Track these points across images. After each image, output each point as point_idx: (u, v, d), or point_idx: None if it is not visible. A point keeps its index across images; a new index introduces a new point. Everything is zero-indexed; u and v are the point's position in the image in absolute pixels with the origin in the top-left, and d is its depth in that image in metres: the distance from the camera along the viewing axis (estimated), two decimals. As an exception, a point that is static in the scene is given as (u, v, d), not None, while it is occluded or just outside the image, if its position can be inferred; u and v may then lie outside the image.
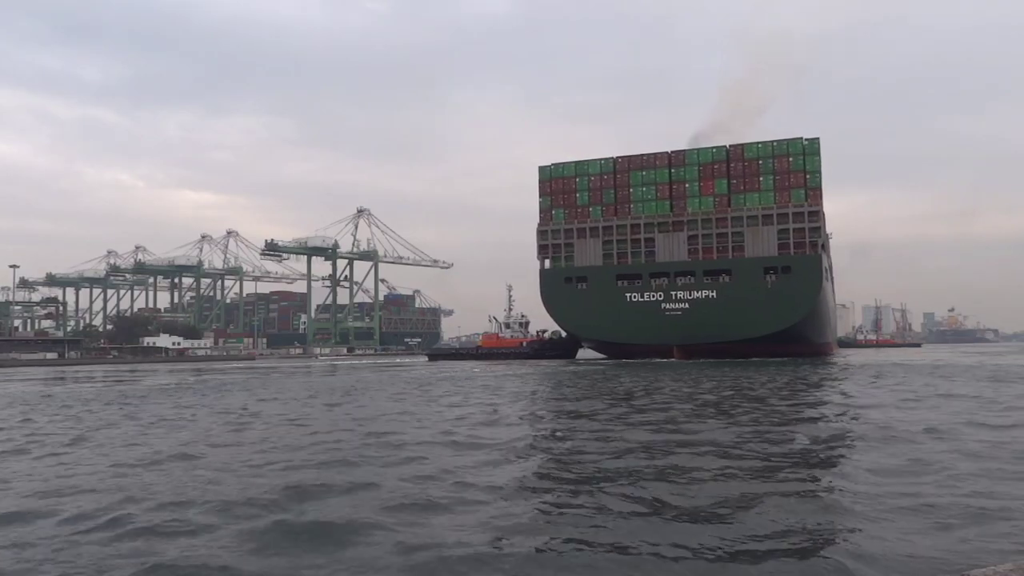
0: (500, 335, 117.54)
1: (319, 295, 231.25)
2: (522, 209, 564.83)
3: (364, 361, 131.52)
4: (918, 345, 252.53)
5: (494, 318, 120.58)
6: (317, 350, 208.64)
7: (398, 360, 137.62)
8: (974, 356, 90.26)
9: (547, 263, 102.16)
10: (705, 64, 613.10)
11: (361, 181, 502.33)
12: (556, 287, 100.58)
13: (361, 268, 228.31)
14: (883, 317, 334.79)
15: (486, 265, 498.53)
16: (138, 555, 8.86)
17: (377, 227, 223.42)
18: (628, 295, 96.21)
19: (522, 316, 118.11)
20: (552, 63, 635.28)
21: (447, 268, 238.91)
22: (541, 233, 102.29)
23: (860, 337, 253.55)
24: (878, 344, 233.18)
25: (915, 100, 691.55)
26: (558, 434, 19.86)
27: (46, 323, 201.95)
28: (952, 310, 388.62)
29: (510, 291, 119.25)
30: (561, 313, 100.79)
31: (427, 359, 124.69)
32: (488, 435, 18.97)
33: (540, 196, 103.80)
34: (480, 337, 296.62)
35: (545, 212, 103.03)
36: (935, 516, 10.03)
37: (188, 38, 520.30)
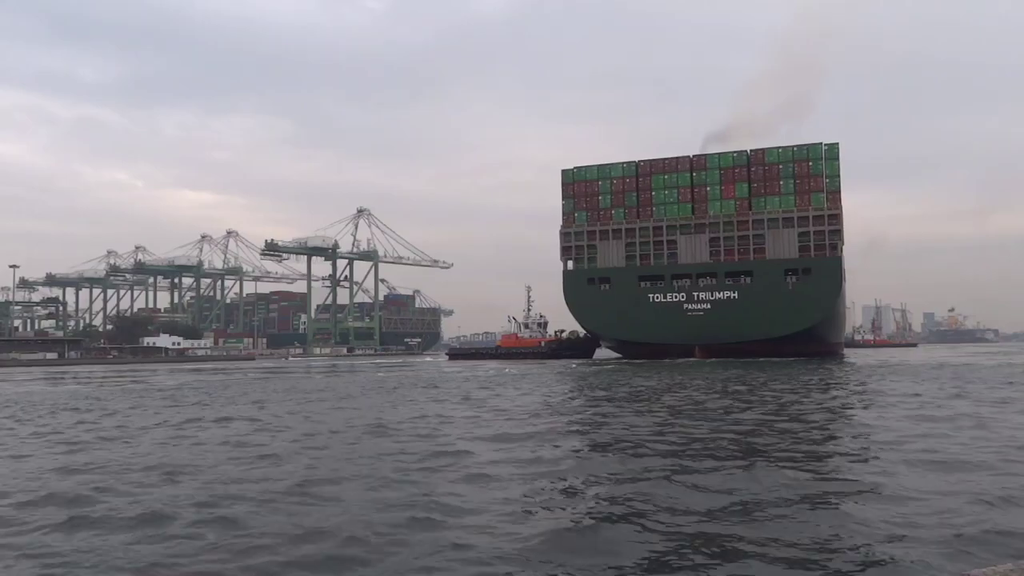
0: (519, 335, 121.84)
1: (319, 295, 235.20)
2: (522, 208, 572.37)
3: (383, 360, 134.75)
4: (914, 345, 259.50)
5: (513, 318, 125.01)
6: (317, 350, 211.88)
7: (427, 359, 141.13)
8: (958, 357, 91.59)
9: (570, 264, 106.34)
10: (705, 64, 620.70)
11: (361, 181, 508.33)
12: (579, 288, 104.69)
13: (361, 268, 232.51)
14: (883, 317, 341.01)
15: (487, 264, 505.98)
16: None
17: (377, 227, 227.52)
18: (651, 296, 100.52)
19: (540, 316, 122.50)
20: (552, 62, 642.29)
21: (447, 268, 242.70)
22: (564, 235, 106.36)
23: (858, 337, 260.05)
24: (875, 344, 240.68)
25: (916, 99, 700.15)
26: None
27: (46, 323, 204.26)
28: (952, 310, 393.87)
29: (529, 292, 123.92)
30: (584, 313, 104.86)
31: (448, 359, 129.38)
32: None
33: (563, 199, 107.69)
34: (481, 336, 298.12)
35: (568, 214, 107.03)
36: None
37: (186, 37, 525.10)
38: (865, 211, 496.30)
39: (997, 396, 29.89)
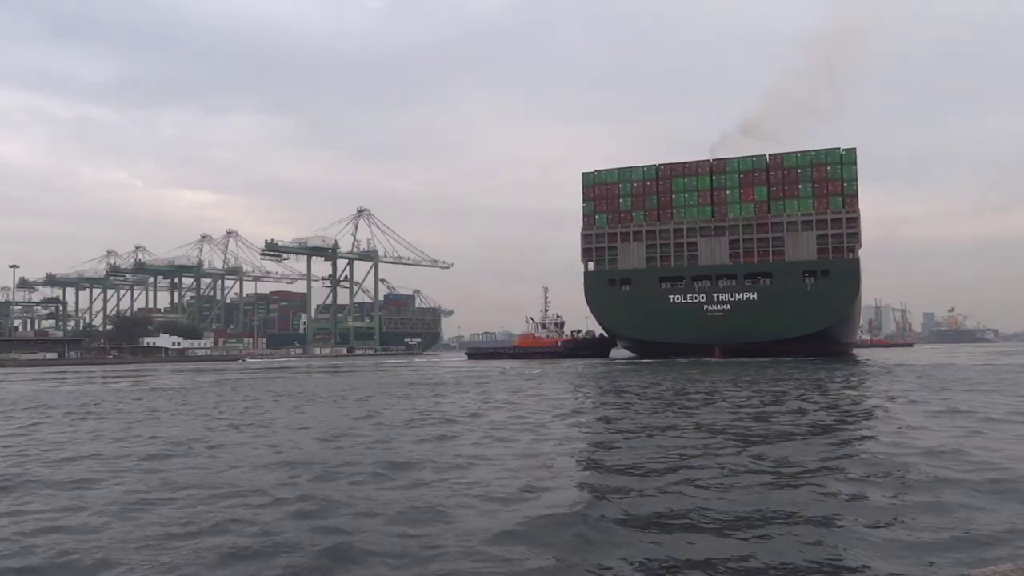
0: (536, 335, 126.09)
1: (319, 295, 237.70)
2: (523, 208, 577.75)
3: (391, 360, 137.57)
4: (910, 345, 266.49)
5: (531, 319, 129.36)
6: (317, 350, 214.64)
7: (452, 359, 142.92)
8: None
9: (591, 265, 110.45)
10: (705, 63, 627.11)
11: (361, 181, 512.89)
12: (600, 289, 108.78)
13: (361, 268, 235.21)
14: (883, 317, 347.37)
15: (487, 264, 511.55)
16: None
17: (377, 227, 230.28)
18: (671, 297, 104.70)
19: (557, 316, 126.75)
20: (552, 62, 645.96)
21: (447, 268, 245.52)
22: (585, 237, 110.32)
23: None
24: (872, 344, 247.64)
25: (916, 99, 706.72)
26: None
27: (46, 323, 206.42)
28: (952, 310, 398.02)
29: (546, 293, 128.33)
30: (605, 314, 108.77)
31: (467, 358, 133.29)
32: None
33: (583, 201, 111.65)
34: (481, 336, 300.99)
35: (588, 216, 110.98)
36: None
37: (186, 37, 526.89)
38: (865, 211, 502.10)
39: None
